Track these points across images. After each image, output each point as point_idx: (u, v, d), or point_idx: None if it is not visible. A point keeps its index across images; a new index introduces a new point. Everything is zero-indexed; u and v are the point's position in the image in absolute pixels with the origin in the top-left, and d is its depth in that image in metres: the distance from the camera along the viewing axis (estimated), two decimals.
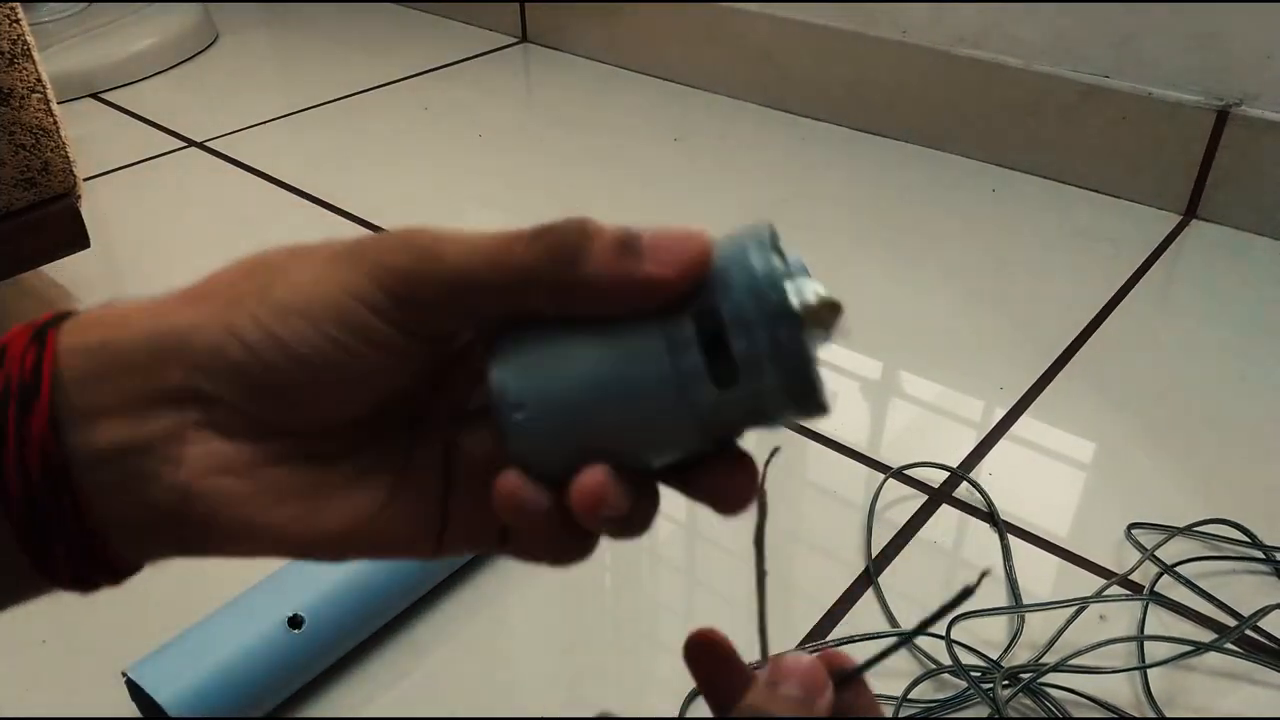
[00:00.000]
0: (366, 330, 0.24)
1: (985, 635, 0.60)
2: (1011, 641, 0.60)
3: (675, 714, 0.55)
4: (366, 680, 0.58)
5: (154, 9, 1.50)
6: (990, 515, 0.69)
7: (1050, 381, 0.82)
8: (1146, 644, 0.59)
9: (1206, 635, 0.60)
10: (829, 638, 0.60)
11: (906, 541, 0.67)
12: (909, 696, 0.56)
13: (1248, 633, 0.60)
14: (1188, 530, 0.67)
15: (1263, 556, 0.65)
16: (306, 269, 0.24)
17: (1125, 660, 0.59)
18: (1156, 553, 0.65)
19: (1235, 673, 0.58)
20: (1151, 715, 0.55)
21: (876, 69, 1.19)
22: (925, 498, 0.71)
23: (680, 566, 0.66)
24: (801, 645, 0.59)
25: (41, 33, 1.35)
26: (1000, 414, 0.78)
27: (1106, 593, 0.62)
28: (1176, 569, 0.64)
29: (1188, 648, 0.58)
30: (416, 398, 0.28)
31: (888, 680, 0.58)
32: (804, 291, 0.22)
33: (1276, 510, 0.69)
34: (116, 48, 1.42)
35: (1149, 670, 0.58)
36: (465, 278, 0.23)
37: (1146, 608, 0.62)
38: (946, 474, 0.73)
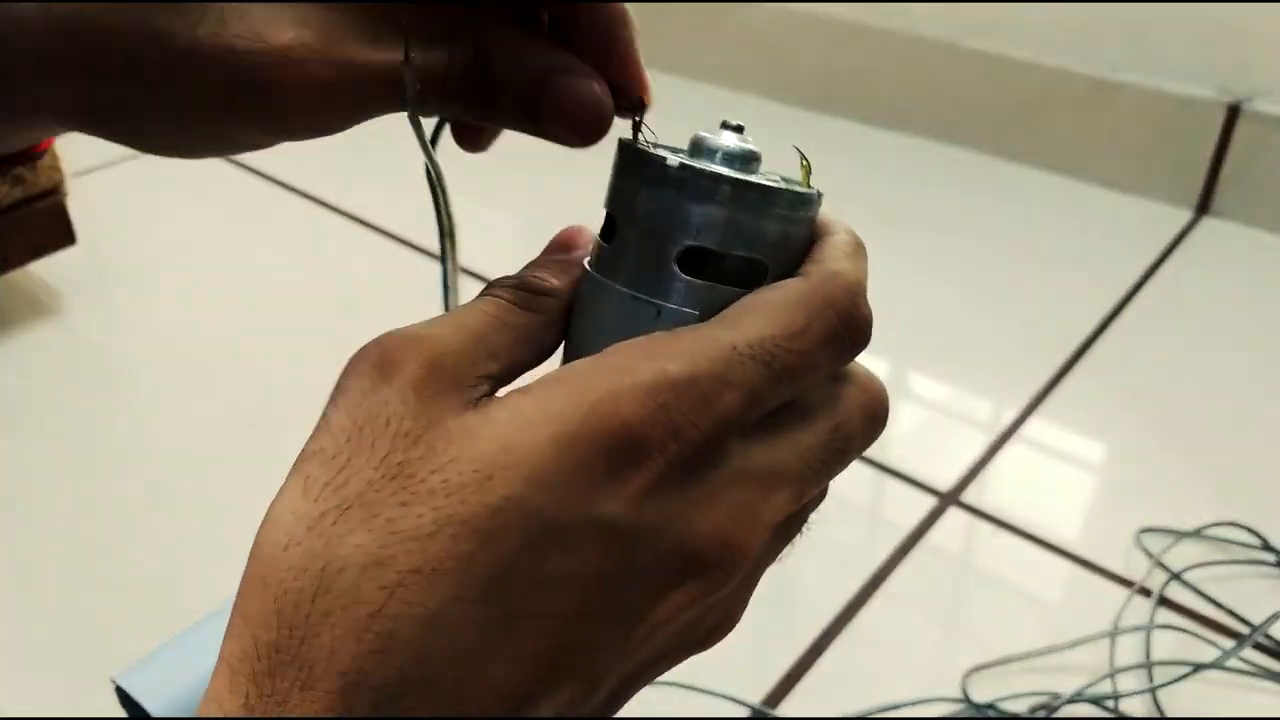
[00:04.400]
0: None
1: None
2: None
3: (675, 714, 0.54)
4: None
5: None
6: (999, 519, 0.68)
7: (1060, 382, 0.80)
8: (1155, 653, 0.58)
9: (1218, 640, 0.59)
10: (833, 644, 0.58)
11: (913, 546, 0.66)
12: None
13: (1259, 639, 0.59)
14: (1197, 533, 0.66)
15: (1274, 560, 0.64)
16: None
17: (1135, 674, 0.57)
18: (1167, 558, 0.64)
19: (1246, 679, 0.57)
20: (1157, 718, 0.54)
21: (882, 61, 1.18)
22: (934, 501, 0.69)
23: None
24: (804, 655, 0.58)
25: None
26: (1010, 416, 0.77)
27: (1115, 600, 0.61)
28: (1186, 574, 0.63)
29: (1193, 667, 0.57)
30: None
31: None
32: None
33: None
34: None
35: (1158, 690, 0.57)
36: None
37: (1153, 617, 0.60)
38: (955, 477, 0.71)
